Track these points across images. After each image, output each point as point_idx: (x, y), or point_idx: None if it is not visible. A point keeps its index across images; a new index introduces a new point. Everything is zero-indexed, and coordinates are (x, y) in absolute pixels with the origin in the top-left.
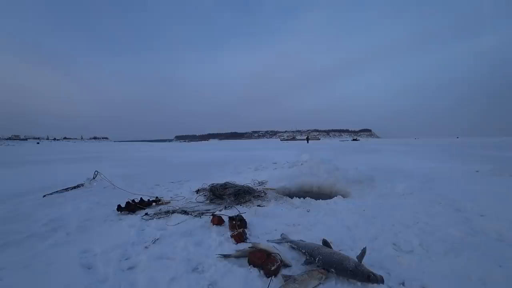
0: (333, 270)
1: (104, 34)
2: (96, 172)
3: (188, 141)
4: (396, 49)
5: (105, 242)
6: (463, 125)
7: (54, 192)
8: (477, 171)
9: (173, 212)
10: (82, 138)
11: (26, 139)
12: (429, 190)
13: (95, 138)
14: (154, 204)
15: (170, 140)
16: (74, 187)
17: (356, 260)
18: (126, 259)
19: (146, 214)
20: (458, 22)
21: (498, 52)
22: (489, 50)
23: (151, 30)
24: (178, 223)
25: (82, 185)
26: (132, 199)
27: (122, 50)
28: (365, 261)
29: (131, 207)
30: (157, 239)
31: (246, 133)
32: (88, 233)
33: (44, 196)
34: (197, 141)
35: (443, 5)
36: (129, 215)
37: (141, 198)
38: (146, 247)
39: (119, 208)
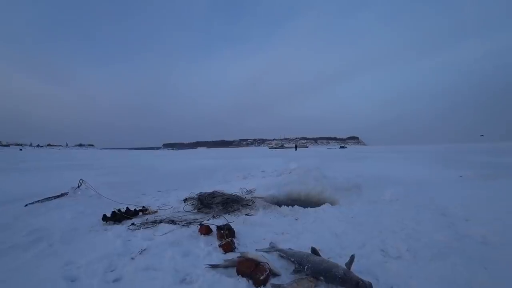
0: (322, 278)
1: (94, 38)
2: (81, 181)
3: (176, 149)
4: (385, 59)
5: (90, 253)
6: (451, 133)
7: (36, 201)
8: (460, 176)
9: (160, 221)
10: (67, 145)
11: (8, 145)
12: (415, 196)
13: (80, 145)
14: (140, 213)
15: (157, 148)
16: (58, 196)
17: (345, 267)
18: (111, 271)
19: (133, 224)
20: (451, 29)
21: (493, 57)
22: (485, 55)
23: (140, 36)
24: (166, 233)
25: (66, 194)
26: (118, 208)
27: (111, 55)
28: (354, 268)
29: (117, 217)
30: (144, 249)
31: (234, 141)
32: (72, 244)
33: (26, 205)
34: (185, 149)
35: (436, 13)
36: (115, 225)
37: (127, 208)
38: (132, 258)
39: (105, 218)
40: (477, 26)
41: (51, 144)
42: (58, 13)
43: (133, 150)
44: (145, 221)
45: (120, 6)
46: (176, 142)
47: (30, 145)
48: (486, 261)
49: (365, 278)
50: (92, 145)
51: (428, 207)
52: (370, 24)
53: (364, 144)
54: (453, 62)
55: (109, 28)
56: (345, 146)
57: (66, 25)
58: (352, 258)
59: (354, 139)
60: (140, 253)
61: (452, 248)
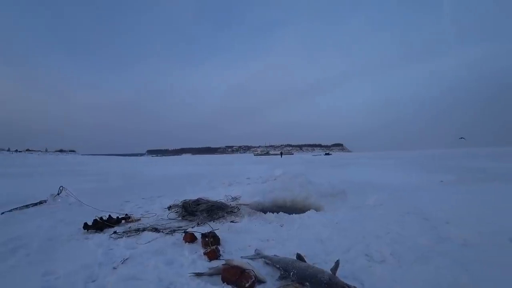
0: (307, 283)
1: (77, 44)
2: (61, 188)
3: (160, 156)
4: (373, 65)
5: (70, 263)
6: (447, 137)
7: (13, 209)
8: (441, 181)
9: (144, 229)
10: (46, 150)
11: None
12: (399, 201)
13: (61, 151)
14: (123, 221)
15: (141, 154)
16: (36, 204)
17: (330, 272)
18: (92, 281)
19: (115, 232)
20: (443, 35)
21: (486, 62)
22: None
23: (126, 43)
24: (149, 241)
25: (45, 201)
26: (100, 216)
27: (97, 61)
28: (339, 273)
29: (99, 225)
30: (127, 258)
31: (219, 148)
32: (51, 254)
33: (3, 213)
34: (169, 155)
35: (428, 20)
36: (97, 234)
37: (109, 216)
38: (114, 268)
39: (86, 226)
40: (473, 32)
41: (30, 149)
42: (47, 24)
43: (117, 156)
44: (128, 229)
45: (106, 15)
46: (161, 148)
47: (8, 150)
48: (467, 263)
49: (350, 283)
50: (73, 151)
51: (411, 212)
52: (359, 31)
53: (348, 151)
54: (449, 67)
55: (97, 35)
56: (330, 153)
57: (53, 31)
58: (337, 263)
59: (338, 146)
60: (122, 262)
61: (435, 251)
